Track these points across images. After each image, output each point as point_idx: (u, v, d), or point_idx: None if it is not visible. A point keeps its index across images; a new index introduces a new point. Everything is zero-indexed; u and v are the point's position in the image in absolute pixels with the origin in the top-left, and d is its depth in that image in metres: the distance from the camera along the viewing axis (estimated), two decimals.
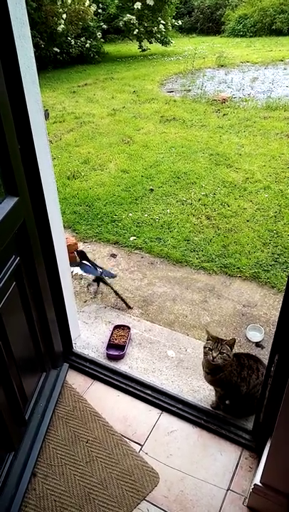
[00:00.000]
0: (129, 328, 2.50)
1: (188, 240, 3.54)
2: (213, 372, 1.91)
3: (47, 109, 5.92)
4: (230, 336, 2.60)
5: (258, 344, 2.54)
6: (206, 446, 1.90)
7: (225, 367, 1.86)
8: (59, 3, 9.55)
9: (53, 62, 10.94)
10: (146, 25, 11.82)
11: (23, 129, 1.57)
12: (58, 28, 9.85)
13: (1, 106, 1.39)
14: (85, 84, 9.25)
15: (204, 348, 1.90)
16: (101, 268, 2.81)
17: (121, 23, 11.85)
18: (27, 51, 1.52)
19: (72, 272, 2.81)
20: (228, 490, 1.73)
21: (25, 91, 1.53)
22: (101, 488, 1.75)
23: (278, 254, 3.29)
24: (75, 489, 1.74)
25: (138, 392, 2.12)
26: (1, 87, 1.39)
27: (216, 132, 5.92)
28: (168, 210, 4.00)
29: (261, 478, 1.57)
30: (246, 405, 1.96)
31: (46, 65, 10.63)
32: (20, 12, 1.44)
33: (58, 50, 10.75)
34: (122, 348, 2.37)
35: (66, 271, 2.14)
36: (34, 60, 1.58)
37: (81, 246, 3.53)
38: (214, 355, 1.84)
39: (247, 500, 1.68)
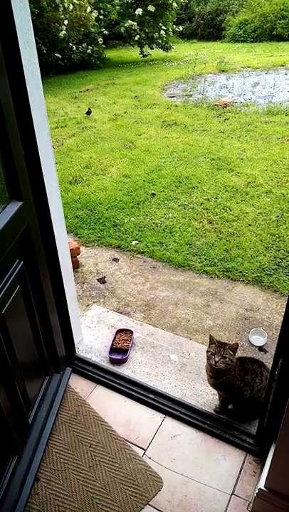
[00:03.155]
0: (131, 332, 2.50)
1: (190, 244, 3.54)
2: (216, 376, 1.90)
3: (89, 108, 5.93)
4: (233, 340, 2.60)
5: (261, 348, 2.54)
6: (209, 451, 1.89)
7: (228, 371, 1.86)
8: (61, 9, 9.63)
9: (55, 67, 11.02)
10: (147, 31, 11.89)
11: (27, 134, 1.58)
12: (60, 34, 9.91)
13: (6, 111, 1.40)
14: (87, 90, 9.30)
15: (207, 352, 1.91)
16: None
17: (122, 29, 11.92)
18: (31, 57, 1.53)
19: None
20: (232, 495, 1.73)
21: (29, 96, 1.54)
22: (104, 492, 1.74)
23: (281, 258, 3.29)
24: (78, 494, 1.74)
25: (141, 397, 2.12)
26: (5, 93, 1.40)
27: (217, 137, 5.94)
28: (170, 215, 4.01)
29: (265, 482, 1.57)
30: (250, 409, 1.96)
31: (48, 70, 10.70)
32: (25, 18, 1.46)
33: (60, 56, 10.83)
34: (124, 352, 2.37)
35: (69, 275, 2.14)
36: (38, 66, 1.59)
37: (83, 250, 3.54)
38: (216, 359, 1.83)
39: (251, 504, 1.67)
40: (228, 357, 1.83)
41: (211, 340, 1.90)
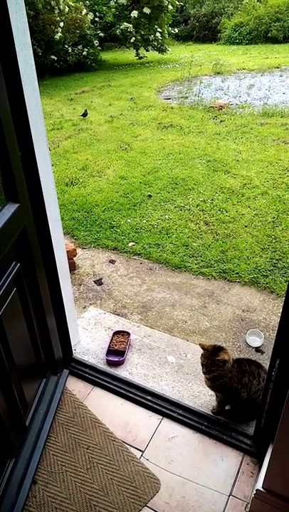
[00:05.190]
0: (128, 333, 2.50)
1: (186, 246, 3.55)
2: (212, 379, 1.91)
3: (86, 110, 5.86)
4: (230, 341, 2.61)
5: (257, 349, 2.55)
6: (207, 452, 1.90)
7: (224, 374, 1.86)
8: (56, 11, 9.63)
9: (51, 69, 11.01)
10: (142, 33, 11.90)
11: (23, 135, 1.58)
12: (56, 36, 9.92)
13: (2, 113, 1.40)
14: (83, 92, 9.31)
15: (200, 357, 1.92)
16: None
17: (118, 31, 11.93)
18: (27, 59, 1.53)
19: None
20: (229, 495, 1.73)
21: (25, 98, 1.54)
22: (102, 494, 1.74)
23: (277, 260, 3.30)
24: (75, 496, 1.74)
25: (138, 398, 2.12)
26: (2, 95, 1.40)
27: (213, 139, 5.96)
28: (166, 216, 4.01)
29: (263, 483, 1.57)
30: (247, 410, 1.96)
31: (44, 72, 10.69)
32: (21, 21, 1.46)
33: (56, 58, 10.82)
34: (121, 353, 2.36)
35: (66, 277, 2.14)
36: (34, 68, 1.59)
37: (80, 252, 3.53)
38: (204, 370, 1.87)
39: (249, 505, 1.67)
40: (216, 370, 1.84)
41: (203, 348, 1.90)
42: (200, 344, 1.92)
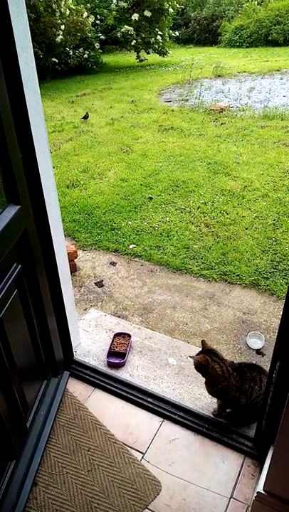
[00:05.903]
0: (129, 335, 2.50)
1: (187, 248, 3.55)
2: (208, 384, 1.93)
3: (87, 112, 5.90)
4: (231, 343, 2.61)
5: (258, 351, 2.55)
6: (208, 454, 1.89)
7: (218, 380, 1.86)
8: (57, 14, 9.68)
9: (52, 72, 11.06)
10: (143, 36, 11.95)
11: (24, 138, 1.59)
12: (57, 39, 9.95)
13: (4, 115, 1.41)
14: (84, 94, 9.33)
15: None
16: None
17: (119, 34, 11.98)
18: (29, 61, 1.54)
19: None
20: (230, 498, 1.73)
21: (27, 101, 1.54)
22: (103, 496, 1.74)
23: (277, 262, 3.30)
24: (76, 498, 1.73)
25: (139, 400, 2.12)
26: (3, 97, 1.41)
27: (213, 141, 5.97)
28: (167, 218, 4.02)
29: (264, 485, 1.56)
30: (248, 413, 1.96)
31: (45, 75, 10.74)
32: (22, 24, 1.47)
33: (57, 61, 10.87)
34: (122, 355, 2.36)
35: (67, 279, 2.15)
36: (35, 70, 1.60)
37: (81, 254, 3.54)
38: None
39: (250, 508, 1.67)
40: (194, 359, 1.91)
41: (202, 344, 1.96)
42: (202, 341, 1.94)
